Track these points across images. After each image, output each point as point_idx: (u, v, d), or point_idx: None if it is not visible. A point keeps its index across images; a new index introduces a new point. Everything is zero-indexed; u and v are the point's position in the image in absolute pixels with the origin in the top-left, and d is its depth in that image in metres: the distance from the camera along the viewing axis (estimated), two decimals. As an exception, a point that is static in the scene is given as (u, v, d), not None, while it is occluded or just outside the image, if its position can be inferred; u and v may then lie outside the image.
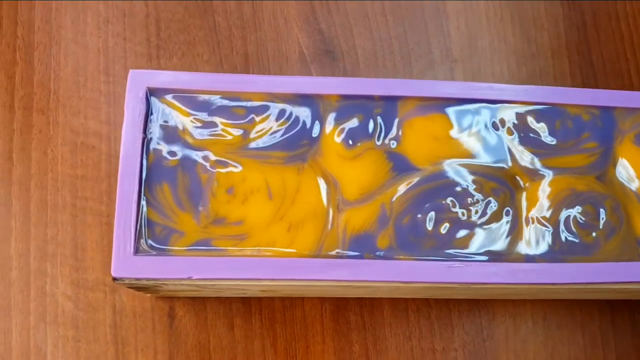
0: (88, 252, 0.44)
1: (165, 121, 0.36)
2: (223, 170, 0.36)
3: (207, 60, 0.50)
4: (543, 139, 0.38)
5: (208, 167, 0.36)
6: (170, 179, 0.36)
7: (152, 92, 0.37)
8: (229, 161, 0.36)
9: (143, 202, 0.35)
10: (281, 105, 0.37)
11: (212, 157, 0.36)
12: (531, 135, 0.38)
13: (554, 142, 0.38)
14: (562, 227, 0.37)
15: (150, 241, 0.35)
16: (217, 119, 0.37)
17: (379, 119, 0.38)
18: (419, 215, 0.36)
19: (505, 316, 0.45)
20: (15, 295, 0.43)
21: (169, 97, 0.37)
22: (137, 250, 0.34)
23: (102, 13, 0.49)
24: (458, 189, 0.37)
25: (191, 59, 0.50)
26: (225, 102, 0.37)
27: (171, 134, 0.36)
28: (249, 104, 0.37)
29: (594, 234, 0.37)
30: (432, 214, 0.37)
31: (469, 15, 0.52)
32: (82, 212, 0.45)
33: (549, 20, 0.53)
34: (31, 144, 0.46)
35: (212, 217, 0.35)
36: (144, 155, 0.36)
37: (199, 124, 0.37)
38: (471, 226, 0.37)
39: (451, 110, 0.38)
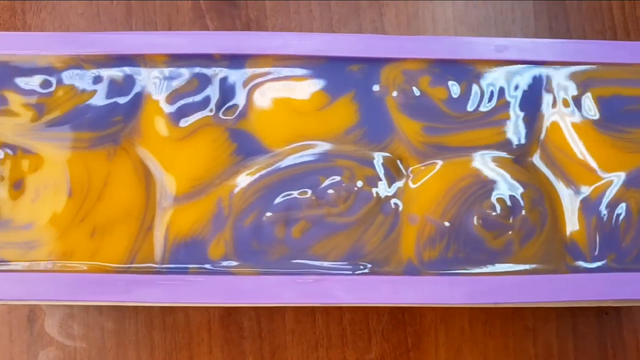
0: None
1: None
2: (10, 158, 0.26)
3: (81, 13, 0.39)
4: (441, 109, 0.27)
5: (-8, 155, 0.26)
6: (-57, 171, 0.26)
7: None
8: (18, 146, 0.26)
9: None
10: (90, 71, 0.27)
11: (-3, 141, 0.26)
12: (425, 104, 0.27)
13: (456, 113, 0.27)
14: (460, 227, 0.26)
15: None
16: (6, 92, 0.27)
17: (220, 86, 0.27)
18: (267, 214, 0.26)
19: (435, 320, 0.36)
20: None
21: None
22: None
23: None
24: (322, 178, 0.26)
25: (63, 12, 0.39)
26: (17, 70, 0.27)
27: (-53, 112, 0.26)
28: (49, 70, 0.27)
29: (505, 237, 0.26)
30: (286, 211, 0.26)
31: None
32: None
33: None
34: None
35: (-6, 219, 0.26)
36: None
37: (-18, 99, 0.27)
38: (336, 227, 0.26)
39: (317, 71, 0.27)
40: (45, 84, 0.27)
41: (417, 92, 0.27)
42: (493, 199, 0.26)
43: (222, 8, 0.40)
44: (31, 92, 0.27)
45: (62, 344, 0.36)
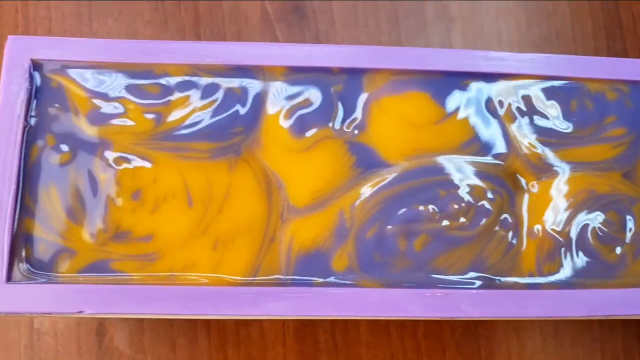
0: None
1: (55, 104, 0.26)
2: (128, 168, 0.26)
3: (148, 20, 0.38)
4: (554, 124, 0.27)
5: (109, 165, 0.25)
6: (60, 181, 0.25)
7: (37, 66, 0.26)
8: (136, 156, 0.26)
9: (22, 212, 0.25)
10: (208, 80, 0.26)
11: (115, 151, 0.26)
12: (538, 119, 0.27)
13: (568, 129, 0.27)
14: (577, 241, 0.26)
15: (29, 264, 0.24)
16: (123, 100, 0.26)
17: (339, 99, 0.27)
18: (389, 227, 0.26)
19: (507, 332, 0.36)
20: None
21: (60, 72, 0.26)
22: (9, 277, 0.24)
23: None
24: (441, 191, 0.26)
25: (129, 19, 0.39)
26: (134, 78, 0.26)
27: (62, 121, 0.26)
28: (165, 79, 0.26)
29: (618, 250, 0.26)
30: (407, 224, 0.26)
31: (466, -36, 0.40)
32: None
33: (565, -30, 0.41)
34: None
35: (112, 230, 0.25)
36: (25, 150, 0.25)
37: (98, 108, 0.26)
38: (458, 241, 0.26)
39: (434, 87, 0.27)
40: (163, 93, 0.26)
41: (530, 107, 0.27)
42: (607, 213, 0.27)
43: (291, 19, 0.39)
44: (149, 102, 0.26)
45: (133, 358, 0.35)
